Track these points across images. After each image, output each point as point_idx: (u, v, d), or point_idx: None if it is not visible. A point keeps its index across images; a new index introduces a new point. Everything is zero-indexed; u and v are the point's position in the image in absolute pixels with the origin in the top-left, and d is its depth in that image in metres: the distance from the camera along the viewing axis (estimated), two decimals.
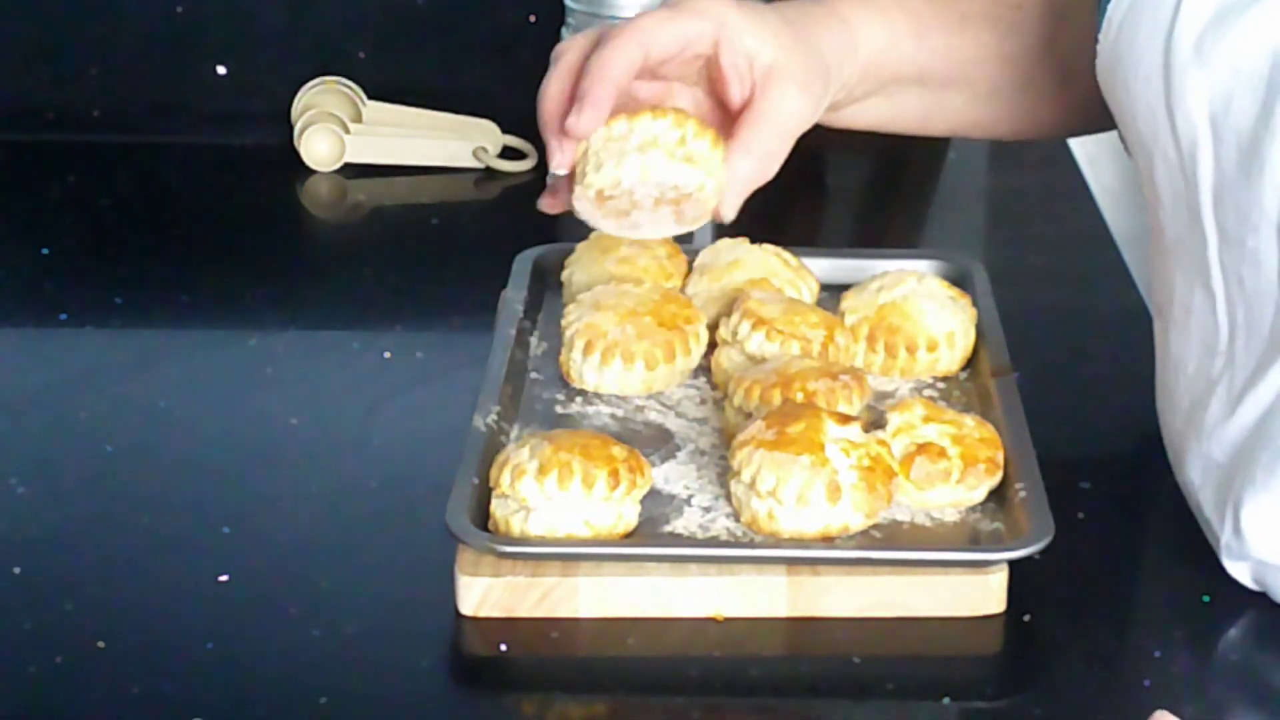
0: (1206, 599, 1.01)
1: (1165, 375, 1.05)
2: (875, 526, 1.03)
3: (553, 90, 1.10)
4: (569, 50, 1.11)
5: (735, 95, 1.11)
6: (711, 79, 1.13)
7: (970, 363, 1.19)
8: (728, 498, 1.05)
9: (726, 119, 1.13)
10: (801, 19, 1.15)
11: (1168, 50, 0.97)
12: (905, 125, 1.25)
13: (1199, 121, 0.96)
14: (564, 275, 1.26)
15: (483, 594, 0.99)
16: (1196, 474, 1.02)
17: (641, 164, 1.07)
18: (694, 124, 1.09)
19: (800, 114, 1.12)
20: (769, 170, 1.10)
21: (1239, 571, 1.00)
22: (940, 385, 1.18)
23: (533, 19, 1.61)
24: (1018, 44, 1.21)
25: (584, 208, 1.09)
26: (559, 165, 1.10)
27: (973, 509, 1.06)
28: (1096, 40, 1.03)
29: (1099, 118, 1.12)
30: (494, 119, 1.58)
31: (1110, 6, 1.02)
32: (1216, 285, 0.98)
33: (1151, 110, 0.99)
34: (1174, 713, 0.83)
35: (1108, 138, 1.19)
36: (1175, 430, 1.04)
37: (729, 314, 1.17)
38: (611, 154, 1.08)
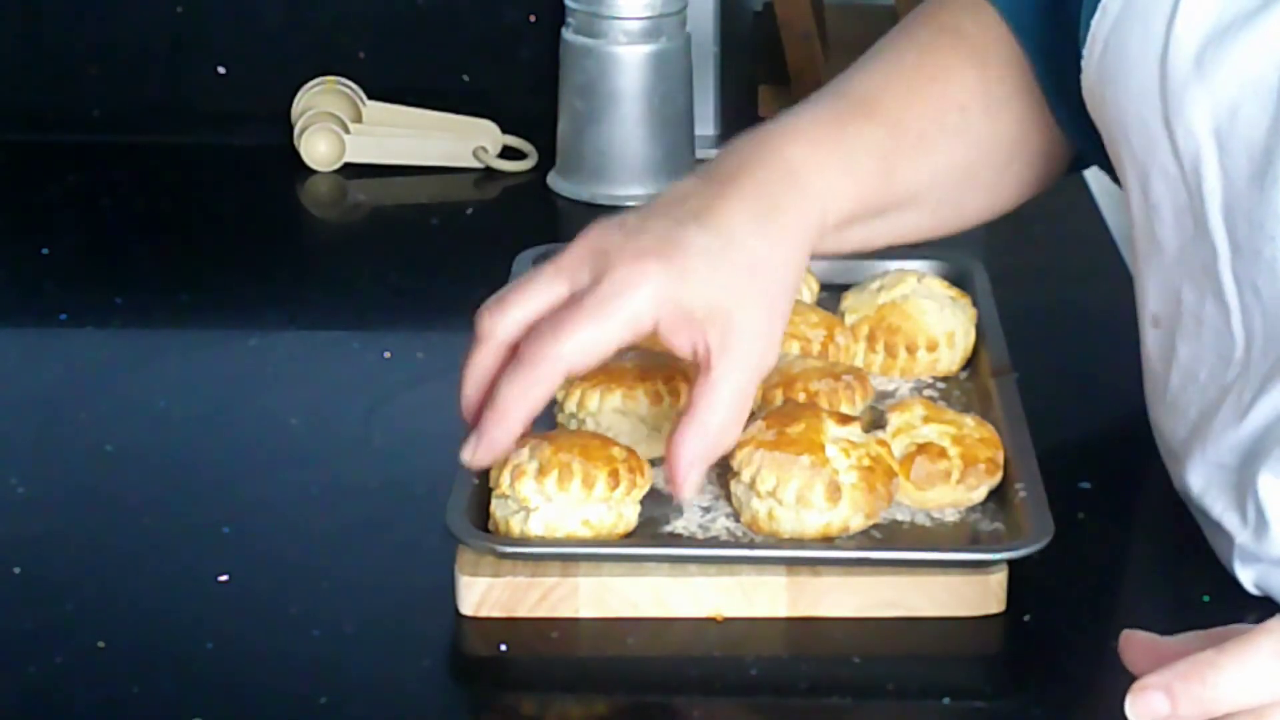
0: (1206, 599, 1.01)
1: (1168, 384, 1.04)
2: (875, 527, 1.03)
3: (476, 375, 1.00)
4: (500, 326, 1.00)
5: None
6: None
7: (970, 363, 1.19)
8: (728, 498, 1.05)
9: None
10: (754, 218, 1.01)
11: (1163, 65, 0.96)
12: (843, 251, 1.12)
13: (1202, 135, 0.95)
14: None
15: (483, 594, 0.99)
16: (1200, 480, 1.01)
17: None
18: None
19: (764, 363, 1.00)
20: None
21: (1246, 577, 1.00)
22: (940, 385, 1.18)
23: (533, 19, 1.61)
24: (966, 149, 1.12)
25: None
26: (471, 462, 1.00)
27: (973, 509, 1.06)
28: (1080, 56, 1.02)
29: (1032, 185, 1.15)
30: (494, 119, 1.58)
31: (1094, 22, 1.00)
32: (1230, 297, 0.97)
33: (1146, 125, 0.98)
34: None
35: None
36: (1178, 439, 1.04)
37: None
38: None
